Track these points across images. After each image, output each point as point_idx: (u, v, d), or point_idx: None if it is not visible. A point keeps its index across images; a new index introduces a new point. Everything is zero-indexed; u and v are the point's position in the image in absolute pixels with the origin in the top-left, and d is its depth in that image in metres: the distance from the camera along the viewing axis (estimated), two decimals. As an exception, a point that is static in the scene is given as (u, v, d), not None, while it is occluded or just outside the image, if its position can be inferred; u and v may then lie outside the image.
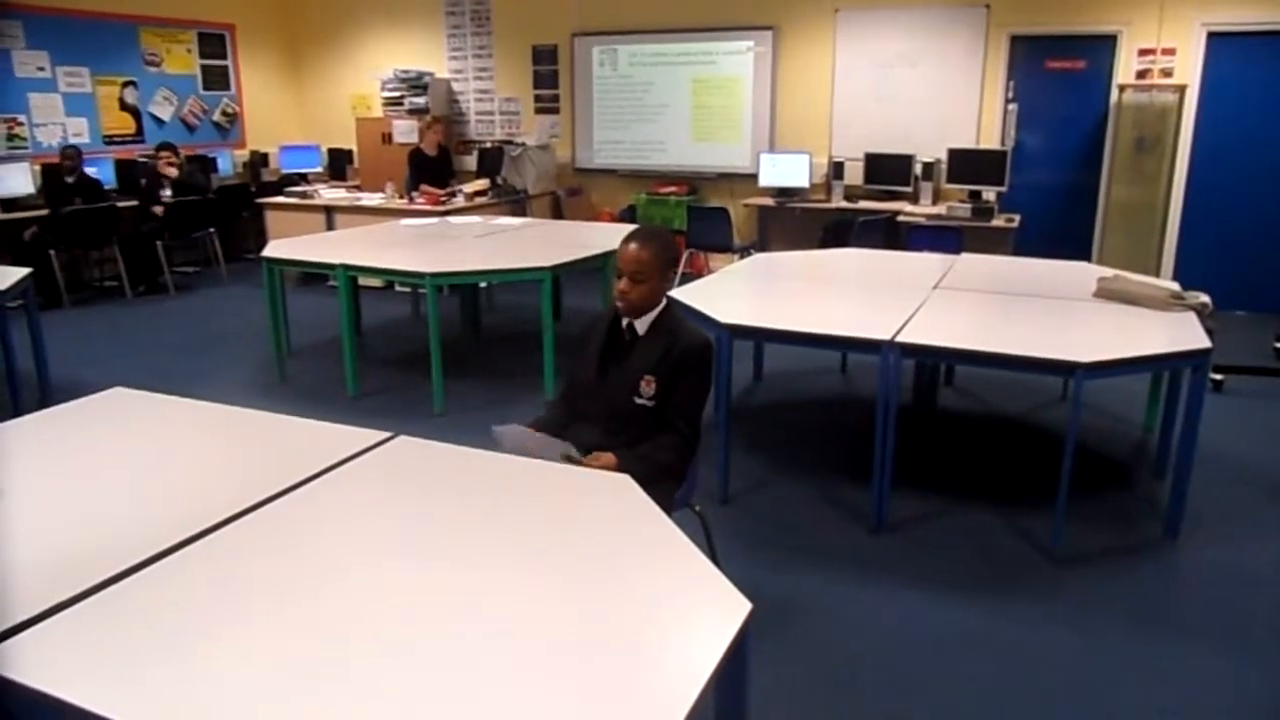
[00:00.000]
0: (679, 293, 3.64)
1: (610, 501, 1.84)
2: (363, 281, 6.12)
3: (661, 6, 8.01)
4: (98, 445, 2.13)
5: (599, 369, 2.47)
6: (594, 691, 1.29)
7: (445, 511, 1.79)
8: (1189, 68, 6.43)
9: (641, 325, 2.46)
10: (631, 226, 6.35)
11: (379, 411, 4.55)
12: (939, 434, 4.28)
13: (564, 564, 1.59)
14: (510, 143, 8.37)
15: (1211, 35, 6.38)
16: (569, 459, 2.23)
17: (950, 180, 6.83)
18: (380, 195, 7.42)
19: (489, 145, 8.48)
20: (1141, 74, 6.53)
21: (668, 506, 2.23)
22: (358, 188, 8.25)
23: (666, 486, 2.36)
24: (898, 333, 3.15)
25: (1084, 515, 3.40)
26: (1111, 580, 2.98)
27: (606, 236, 5.56)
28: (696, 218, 7.05)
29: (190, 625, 1.43)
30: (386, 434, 2.14)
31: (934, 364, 4.46)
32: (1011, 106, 6.91)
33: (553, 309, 4.56)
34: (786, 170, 7.52)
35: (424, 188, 7.29)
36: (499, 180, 7.74)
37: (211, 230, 7.84)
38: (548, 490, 1.90)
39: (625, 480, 1.91)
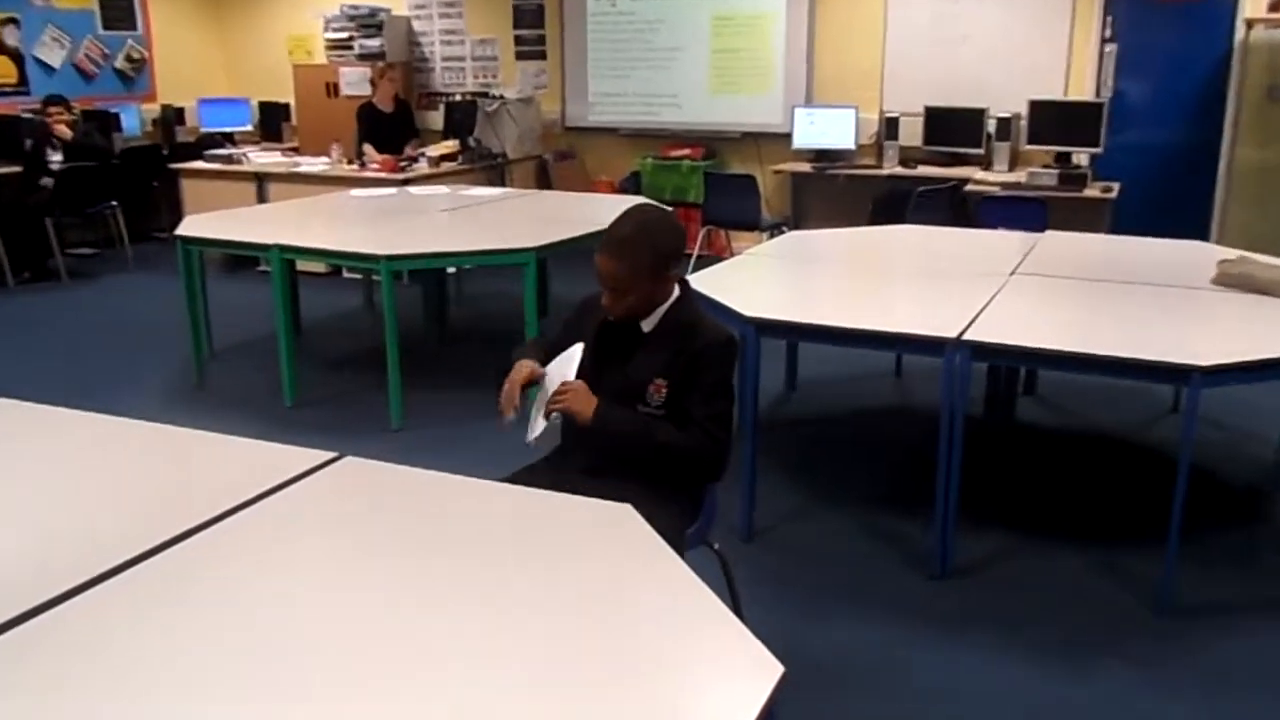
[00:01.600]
0: (693, 280, 3.64)
1: (606, 537, 1.83)
2: (302, 266, 6.14)
3: (672, -75, 8.04)
4: (-29, 468, 2.13)
5: (596, 372, 2.47)
6: (586, 774, 1.28)
7: (404, 550, 1.79)
8: (1331, -1, 6.41)
9: (648, 322, 2.46)
10: (635, 200, 6.35)
11: (322, 426, 4.56)
12: (1017, 455, 4.27)
13: (550, 616, 1.59)
14: (485, 95, 8.39)
15: (1360, -42, 6.36)
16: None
17: (1032, 140, 6.83)
18: (324, 160, 7.44)
19: (458, 98, 8.50)
20: (1275, 6, 6.51)
21: (678, 544, 2.22)
22: (296, 150, 8.27)
23: (674, 517, 2.36)
24: (966, 329, 3.15)
25: (1201, 557, 3.39)
26: (1236, 640, 2.96)
27: (604, 211, 5.54)
28: (716, 188, 7.06)
29: (85, 688, 1.42)
30: (331, 454, 2.14)
31: (1011, 368, 4.45)
32: (1109, 48, 6.91)
33: (538, 300, 4.57)
34: (827, 129, 7.52)
35: (371, 151, 7.31)
36: (471, 142, 7.77)
37: (114, 203, 7.86)
38: (530, 523, 1.90)
39: (625, 511, 1.91)
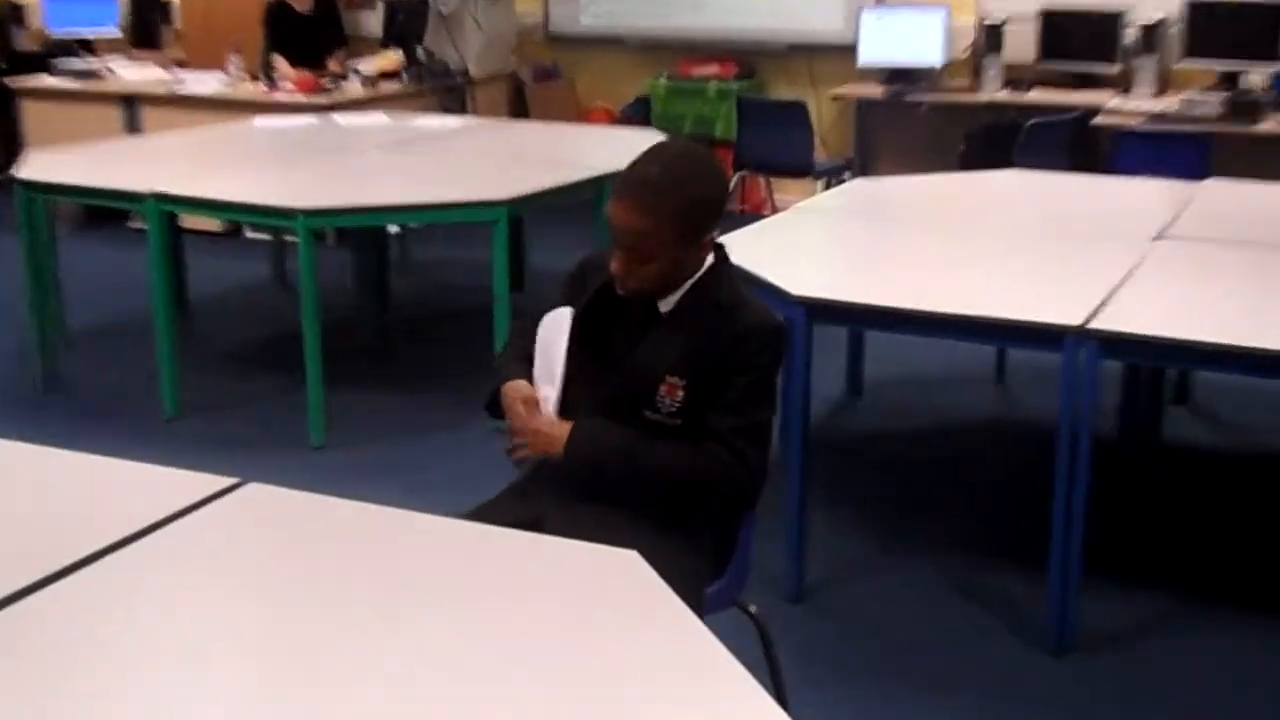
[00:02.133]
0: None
1: (603, 595, 1.83)
2: (188, 222, 6.12)
3: None
4: None
5: (590, 365, 2.47)
6: None
7: (326, 610, 1.79)
8: None
9: (668, 300, 2.47)
10: (647, 135, 6.31)
11: (216, 443, 4.56)
12: (1164, 486, 4.26)
13: (527, 702, 1.59)
14: (438, -10, 8.35)
15: None
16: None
17: (1188, 54, 6.80)
18: (219, 76, 7.42)
19: (402, -6, 8.46)
20: None
21: (696, 603, 2.22)
22: (179, 64, 8.24)
23: (690, 566, 2.36)
24: (1094, 314, 3.14)
25: None
26: None
27: (601, 150, 5.52)
28: (753, 120, 7.04)
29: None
30: (229, 480, 2.14)
31: (1155, 369, 4.43)
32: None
33: (511, 271, 4.57)
34: (906, 39, 7.49)
35: (283, 64, 7.28)
36: (420, 54, 7.75)
37: (-70, 135, 7.85)
38: (498, 574, 1.90)
39: (628, 560, 1.91)
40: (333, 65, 7.46)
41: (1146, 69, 6.99)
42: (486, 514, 2.44)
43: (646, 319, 2.47)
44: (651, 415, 2.42)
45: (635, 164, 2.42)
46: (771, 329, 2.44)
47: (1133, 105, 6.71)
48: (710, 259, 2.48)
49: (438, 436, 4.61)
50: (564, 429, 2.44)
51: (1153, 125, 6.25)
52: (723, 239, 2.67)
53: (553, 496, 2.47)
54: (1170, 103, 6.65)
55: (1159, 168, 5.34)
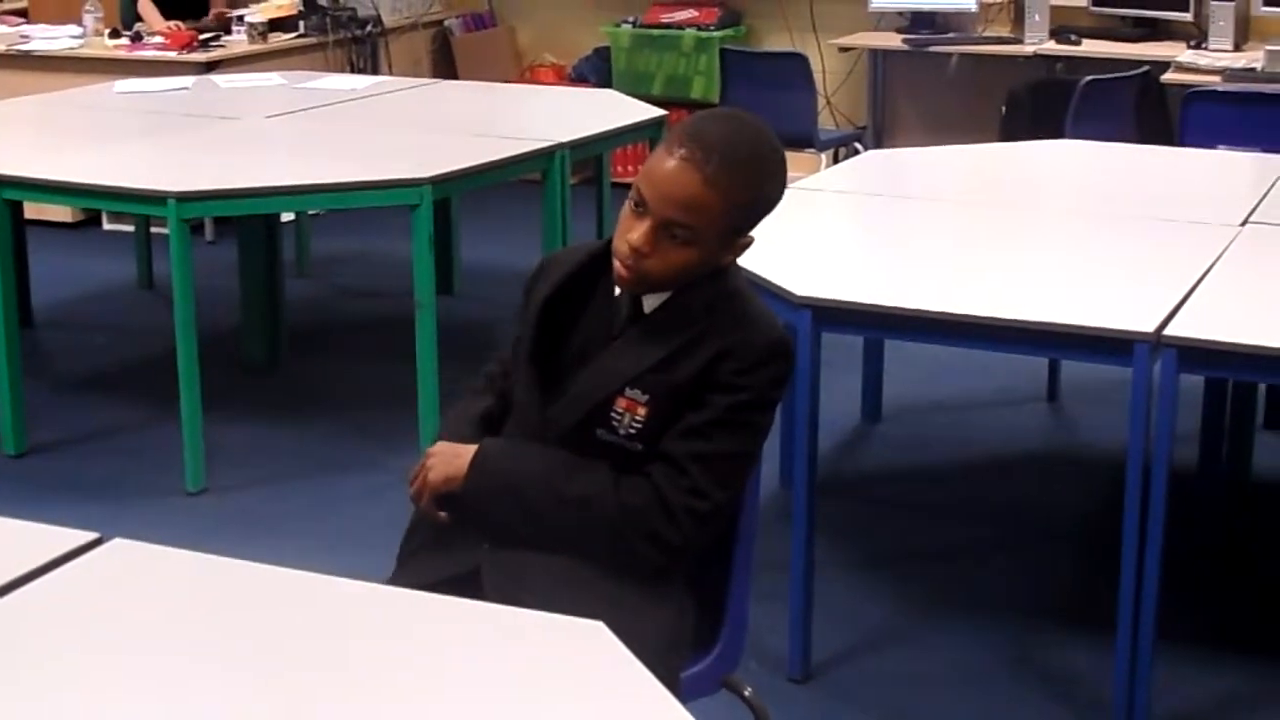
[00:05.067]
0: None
1: (564, 675, 1.82)
2: (33, 211, 6.08)
3: None
4: None
5: (541, 373, 2.47)
6: None
7: (215, 698, 1.77)
8: None
9: (654, 296, 2.44)
10: (611, 98, 6.27)
11: (69, 486, 4.53)
12: (1259, 532, 4.26)
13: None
14: (344, -82, 8.35)
15: None
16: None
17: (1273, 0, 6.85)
18: (71, 31, 7.37)
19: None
20: None
21: (672, 683, 2.20)
22: (22, 15, 8.21)
23: (662, 638, 2.34)
24: (1169, 319, 3.14)
25: None
26: None
27: (549, 115, 5.52)
28: (741, 77, 7.04)
29: None
30: (87, 535, 2.12)
31: (1244, 385, 4.44)
32: None
33: (436, 270, 4.56)
34: (929, -24, 7.53)
35: (150, 12, 7.23)
36: (321, -2, 7.75)
37: None
38: (425, 650, 1.88)
39: (592, 632, 1.90)
40: (213, 13, 7.42)
41: (1223, 16, 6.99)
42: (404, 570, 2.47)
43: (622, 316, 2.46)
44: (605, 436, 2.40)
45: (706, 121, 2.40)
46: (770, 345, 2.41)
47: (1207, 60, 6.72)
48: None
49: (343, 479, 4.58)
50: (469, 450, 2.43)
51: (1231, 84, 6.26)
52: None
53: (483, 541, 2.45)
54: (1252, 57, 6.67)
55: (1240, 136, 5.36)
